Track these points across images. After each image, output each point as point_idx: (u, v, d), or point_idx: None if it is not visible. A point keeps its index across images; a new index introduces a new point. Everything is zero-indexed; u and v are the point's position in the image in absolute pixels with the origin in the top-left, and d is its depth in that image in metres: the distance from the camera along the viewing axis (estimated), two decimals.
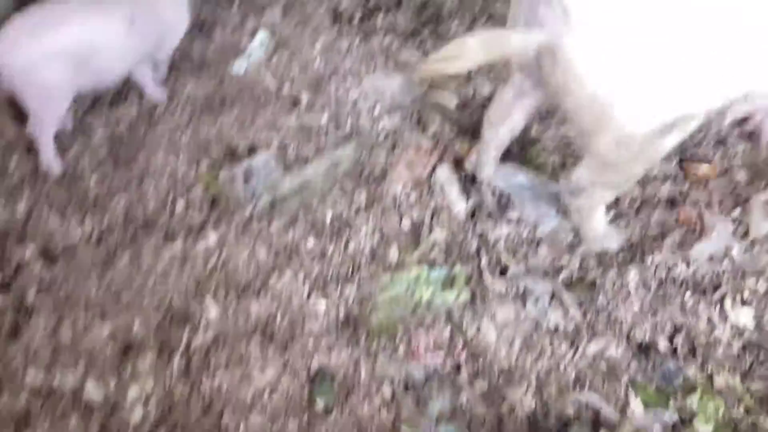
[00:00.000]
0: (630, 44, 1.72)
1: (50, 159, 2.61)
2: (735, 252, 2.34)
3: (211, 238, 2.43)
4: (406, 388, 2.09)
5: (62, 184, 2.62)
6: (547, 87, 1.96)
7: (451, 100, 2.88)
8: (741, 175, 2.58)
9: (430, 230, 2.43)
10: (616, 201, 2.46)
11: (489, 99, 2.93)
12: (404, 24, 3.20)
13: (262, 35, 2.99)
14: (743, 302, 2.23)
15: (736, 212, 2.45)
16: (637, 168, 2.07)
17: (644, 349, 2.17)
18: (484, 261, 2.34)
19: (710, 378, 2.09)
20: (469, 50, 1.81)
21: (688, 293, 2.26)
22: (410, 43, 3.12)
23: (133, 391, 2.10)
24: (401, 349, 2.16)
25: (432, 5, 3.36)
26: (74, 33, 2.43)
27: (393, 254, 2.37)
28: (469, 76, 3.03)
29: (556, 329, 2.19)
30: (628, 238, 2.40)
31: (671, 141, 1.92)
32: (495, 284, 2.29)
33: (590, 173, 2.12)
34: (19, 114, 2.65)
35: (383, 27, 3.16)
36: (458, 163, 2.64)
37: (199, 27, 3.09)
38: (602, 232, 2.36)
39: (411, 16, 3.25)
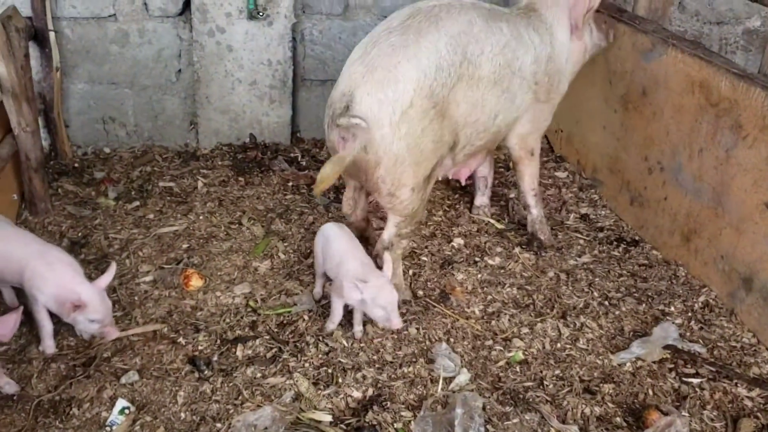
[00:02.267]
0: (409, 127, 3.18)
1: None
2: None
3: None
4: None
5: None
6: (361, 172, 3.27)
7: (324, 416, 2.88)
8: None
9: None
10: None
11: (362, 403, 2.97)
12: (264, 350, 3.26)
13: (121, 403, 2.91)
14: None
15: None
16: (420, 209, 3.46)
17: None
18: None
19: None
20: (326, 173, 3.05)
21: None
22: (274, 367, 3.15)
23: None
24: None
25: (288, 323, 3.48)
26: None
27: None
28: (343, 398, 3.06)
29: None
30: None
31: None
32: None
33: (396, 228, 3.46)
34: None
35: (244, 360, 3.19)
36: None
37: (53, 409, 2.96)
38: (403, 284, 3.61)
39: (269, 339, 3.33)
